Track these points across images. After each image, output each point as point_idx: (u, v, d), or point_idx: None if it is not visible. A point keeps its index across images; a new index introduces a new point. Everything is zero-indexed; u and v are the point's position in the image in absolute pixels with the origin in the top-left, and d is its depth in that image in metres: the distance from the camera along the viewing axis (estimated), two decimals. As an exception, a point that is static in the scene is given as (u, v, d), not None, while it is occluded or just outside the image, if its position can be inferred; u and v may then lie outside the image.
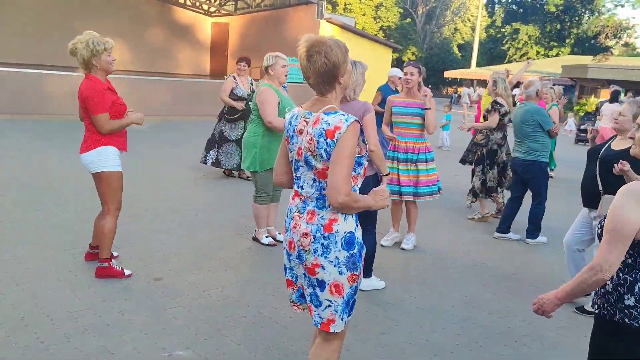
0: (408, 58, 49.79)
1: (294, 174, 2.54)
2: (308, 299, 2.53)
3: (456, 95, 42.06)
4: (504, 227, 6.39)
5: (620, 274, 2.14)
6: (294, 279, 2.61)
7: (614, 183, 4.15)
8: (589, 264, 2.10)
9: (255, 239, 5.57)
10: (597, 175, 4.26)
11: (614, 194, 4.10)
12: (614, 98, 11.08)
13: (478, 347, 3.75)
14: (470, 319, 4.18)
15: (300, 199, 2.49)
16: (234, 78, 8.05)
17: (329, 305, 2.45)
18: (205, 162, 8.26)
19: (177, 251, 5.09)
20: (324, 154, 2.32)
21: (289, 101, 5.29)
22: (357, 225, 2.46)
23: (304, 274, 2.48)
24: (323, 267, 2.40)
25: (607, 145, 4.31)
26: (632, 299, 2.07)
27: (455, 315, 4.24)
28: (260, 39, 20.57)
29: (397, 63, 39.39)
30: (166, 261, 4.83)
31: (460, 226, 6.84)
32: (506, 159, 6.90)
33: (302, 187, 2.48)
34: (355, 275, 2.45)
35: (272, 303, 4.17)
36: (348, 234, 2.40)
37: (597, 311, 2.21)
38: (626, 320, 2.07)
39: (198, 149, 9.62)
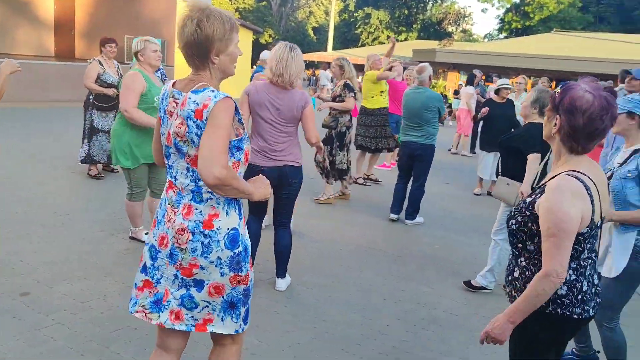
0: (265, 40, 49.57)
1: (166, 162, 2.25)
2: (176, 303, 2.19)
3: (314, 78, 42.79)
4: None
5: None
6: (154, 281, 2.25)
7: (510, 166, 4.39)
8: (542, 272, 1.98)
9: (133, 238, 5.11)
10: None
11: (512, 178, 4.31)
12: (470, 81, 11.87)
13: (382, 335, 3.74)
14: (370, 307, 4.17)
15: (175, 191, 2.20)
16: (100, 62, 7.13)
17: (206, 306, 2.20)
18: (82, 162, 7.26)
19: (44, 259, 4.49)
20: (195, 139, 2.06)
21: (159, 90, 4.86)
22: (240, 221, 2.22)
23: (175, 274, 2.18)
24: (202, 268, 2.14)
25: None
26: (565, 288, 2.07)
27: (354, 304, 4.21)
28: (112, 17, 19.10)
29: (255, 46, 38.98)
30: (32, 272, 4.23)
31: (343, 211, 6.88)
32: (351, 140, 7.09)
33: (175, 178, 2.20)
34: (240, 276, 2.20)
35: (163, 310, 3.81)
36: (232, 231, 2.16)
37: None
38: (558, 310, 2.06)
39: (53, 141, 8.66)
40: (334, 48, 47.21)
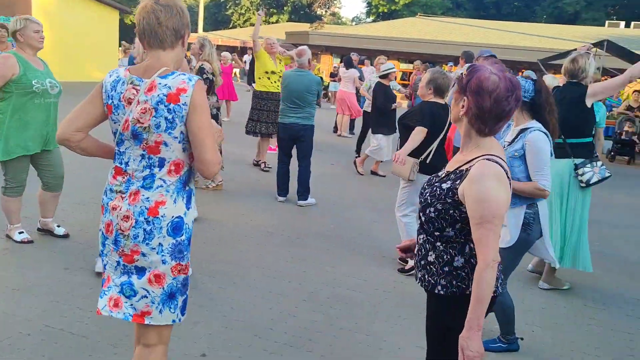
0: (131, 21, 47.05)
1: (117, 149, 2.21)
2: (116, 290, 2.18)
3: (187, 59, 41.40)
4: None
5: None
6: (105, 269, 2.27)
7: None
8: (482, 264, 1.93)
9: (8, 237, 4.65)
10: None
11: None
12: (348, 64, 12.11)
13: (292, 318, 3.76)
14: (275, 291, 4.16)
15: (124, 177, 2.19)
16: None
17: (145, 296, 2.16)
18: None
19: None
20: (163, 123, 2.08)
21: (39, 74, 4.42)
22: (187, 210, 2.20)
23: (118, 261, 2.17)
24: (144, 255, 2.13)
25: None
26: (461, 260, 2.07)
27: (260, 288, 4.17)
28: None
29: (121, 26, 36.84)
30: None
31: (237, 197, 6.77)
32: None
33: (127, 164, 2.18)
34: (182, 265, 2.19)
35: (59, 311, 3.53)
36: (176, 219, 2.15)
37: (442, 292, 2.10)
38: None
39: None
40: (204, 29, 45.97)
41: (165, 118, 2.07)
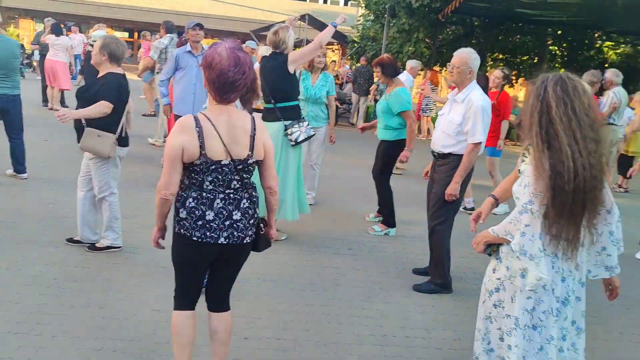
0: None
1: None
2: None
3: None
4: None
5: (180, 192, 2.47)
6: None
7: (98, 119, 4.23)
8: (157, 189, 2.45)
9: None
10: None
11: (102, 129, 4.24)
12: (58, 31, 11.05)
13: (21, 295, 3.50)
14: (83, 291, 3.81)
15: None
16: None
17: None
18: None
19: None
20: None
21: None
22: None
23: None
24: None
25: None
26: (184, 212, 2.44)
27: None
28: None
29: None
30: None
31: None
32: None
33: None
34: None
35: None
36: None
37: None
38: (181, 230, 2.47)
39: None
40: None
41: None
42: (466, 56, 4.13)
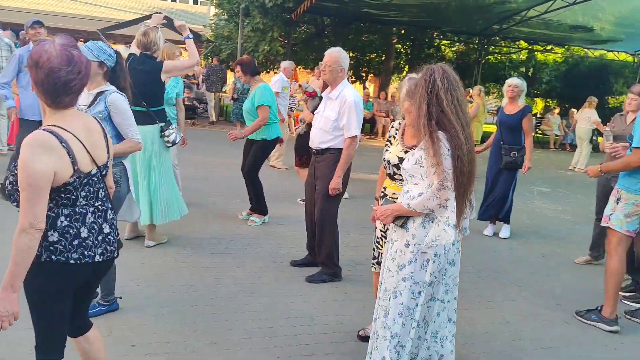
0: None
1: None
2: None
3: None
4: None
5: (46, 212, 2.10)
6: None
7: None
8: (18, 228, 1.97)
9: None
10: None
11: None
12: None
13: None
14: None
15: None
16: None
17: None
18: None
19: None
20: None
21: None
22: None
23: None
24: None
25: None
26: (56, 234, 2.12)
27: None
28: None
29: None
30: None
31: None
32: None
33: None
34: None
35: None
36: None
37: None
38: (52, 257, 2.11)
39: None
40: None
41: None
42: (336, 55, 4.34)
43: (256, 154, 5.79)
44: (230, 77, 17.39)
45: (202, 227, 5.73)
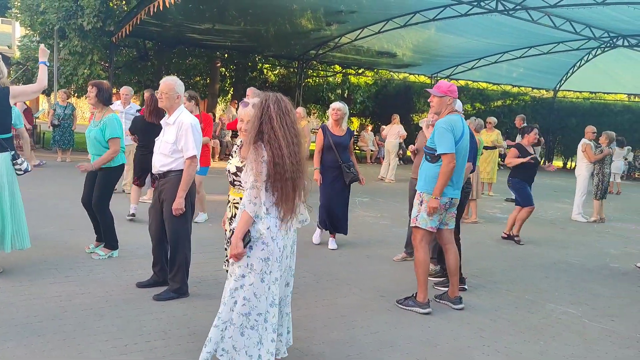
0: None
1: None
2: None
3: None
4: None
5: None
6: None
7: None
8: None
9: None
10: None
11: None
12: None
13: None
14: None
15: None
16: None
17: None
18: None
19: None
20: None
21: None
22: None
23: None
24: None
25: None
26: None
27: None
28: None
29: None
30: None
31: None
32: None
33: None
34: None
35: None
36: None
37: None
38: None
39: None
40: None
41: None
42: (172, 83, 4.61)
43: (101, 184, 5.64)
44: (42, 101, 16.35)
45: (37, 257, 5.54)
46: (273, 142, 3.13)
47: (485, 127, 10.98)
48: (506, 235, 8.35)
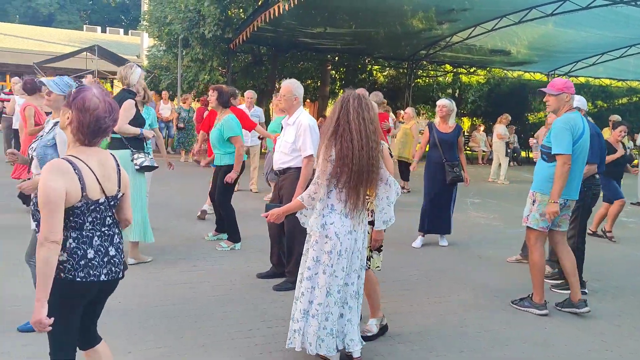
0: None
1: None
2: None
3: None
4: None
5: None
6: None
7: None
8: (38, 242, 2.29)
9: None
10: None
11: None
12: None
13: None
14: None
15: None
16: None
17: None
18: None
19: None
20: None
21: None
22: None
23: None
24: None
25: None
26: (65, 255, 2.39)
27: None
28: None
29: None
30: None
31: None
32: None
33: None
34: None
35: None
36: None
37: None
38: (62, 274, 2.38)
39: None
40: None
41: None
42: (290, 86, 4.90)
43: (223, 180, 6.09)
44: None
45: (170, 248, 6.07)
46: (346, 135, 3.30)
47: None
48: (591, 232, 7.92)
